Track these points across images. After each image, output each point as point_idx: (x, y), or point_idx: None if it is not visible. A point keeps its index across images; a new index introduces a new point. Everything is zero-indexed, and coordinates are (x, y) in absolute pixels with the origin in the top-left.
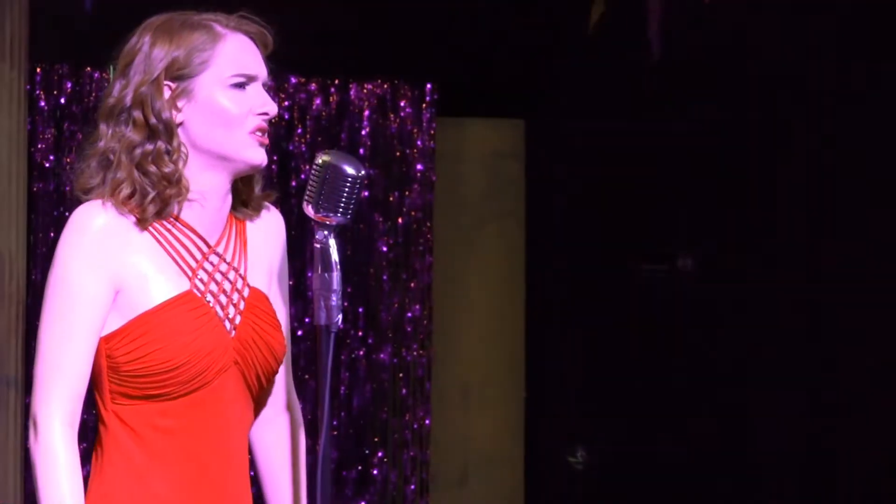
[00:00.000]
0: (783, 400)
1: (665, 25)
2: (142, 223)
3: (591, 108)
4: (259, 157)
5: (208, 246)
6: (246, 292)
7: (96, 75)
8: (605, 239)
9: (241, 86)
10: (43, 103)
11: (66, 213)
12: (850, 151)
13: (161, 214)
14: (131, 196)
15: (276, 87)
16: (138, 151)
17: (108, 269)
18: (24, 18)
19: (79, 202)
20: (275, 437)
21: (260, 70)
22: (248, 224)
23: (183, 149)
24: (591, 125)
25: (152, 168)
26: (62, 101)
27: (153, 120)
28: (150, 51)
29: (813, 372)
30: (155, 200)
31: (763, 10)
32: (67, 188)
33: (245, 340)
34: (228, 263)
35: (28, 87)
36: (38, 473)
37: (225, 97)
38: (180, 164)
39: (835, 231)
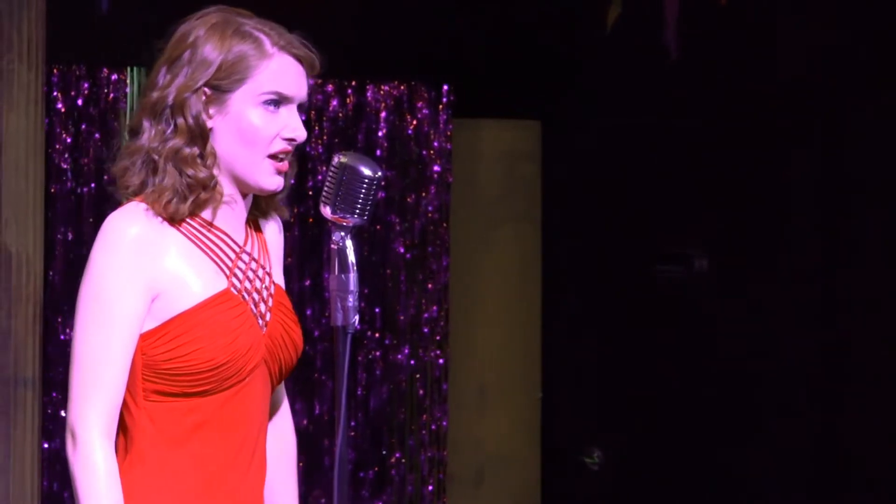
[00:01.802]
0: (799, 401)
1: (682, 26)
2: (173, 222)
3: (608, 109)
4: (274, 184)
5: (239, 246)
6: (272, 289)
7: (113, 77)
8: (621, 240)
9: (274, 104)
10: (60, 104)
11: (84, 214)
12: (868, 153)
13: (192, 214)
14: (171, 199)
15: None
16: (179, 155)
17: (145, 280)
18: (41, 20)
19: (106, 200)
20: (273, 441)
21: (298, 92)
22: (261, 222)
23: (215, 153)
24: (608, 126)
25: (190, 171)
26: (79, 102)
27: (191, 122)
28: (198, 50)
29: (829, 373)
30: (191, 204)
31: (780, 10)
32: (85, 189)
33: (274, 337)
34: (257, 262)
35: (45, 88)
36: (78, 486)
37: (255, 114)
38: (214, 170)
39: (851, 231)
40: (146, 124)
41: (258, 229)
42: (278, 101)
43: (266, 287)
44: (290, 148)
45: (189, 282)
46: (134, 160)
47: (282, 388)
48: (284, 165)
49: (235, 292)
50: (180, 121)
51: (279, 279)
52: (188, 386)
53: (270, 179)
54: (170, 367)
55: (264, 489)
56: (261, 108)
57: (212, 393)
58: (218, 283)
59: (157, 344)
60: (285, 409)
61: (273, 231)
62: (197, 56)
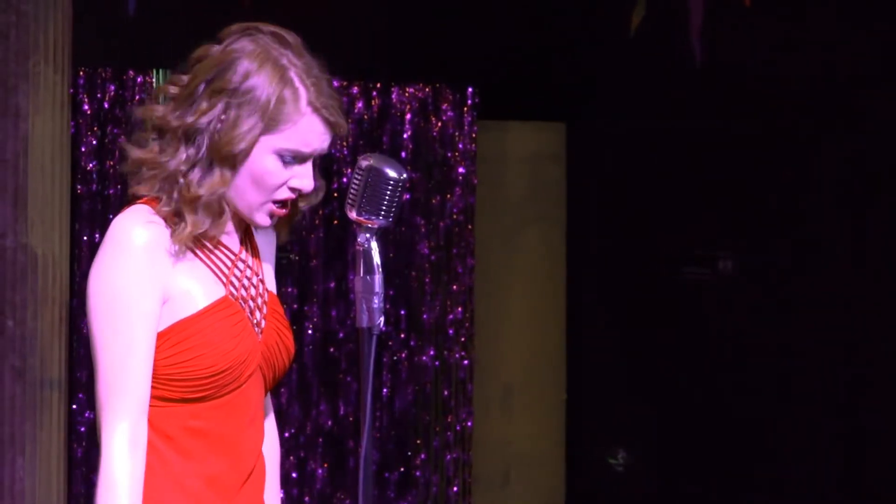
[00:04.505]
0: (824, 401)
1: (706, 28)
2: (179, 241)
3: (632, 111)
4: (265, 222)
5: (234, 253)
6: (266, 297)
7: (139, 79)
8: (645, 241)
9: (290, 160)
10: (86, 107)
11: (110, 217)
12: (892, 153)
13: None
14: (185, 219)
15: None
16: (208, 178)
17: (157, 283)
18: (68, 22)
19: (119, 204)
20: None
21: (318, 147)
22: (254, 228)
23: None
24: (632, 128)
25: (212, 195)
26: (105, 104)
27: (226, 150)
28: (242, 83)
29: (854, 373)
30: (207, 226)
31: (804, 12)
32: (111, 192)
33: (269, 344)
34: (251, 269)
35: (71, 90)
36: (97, 497)
37: (271, 162)
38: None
39: (876, 231)
40: (179, 147)
41: (251, 236)
42: (295, 157)
43: (260, 294)
44: (293, 197)
45: (191, 289)
46: (155, 174)
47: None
48: (283, 212)
49: (233, 299)
50: (214, 145)
51: (272, 286)
52: (186, 392)
53: (263, 218)
54: (169, 373)
55: None
56: (277, 159)
57: (209, 399)
58: (216, 291)
59: (160, 350)
60: (268, 407)
61: (266, 238)
62: (246, 94)
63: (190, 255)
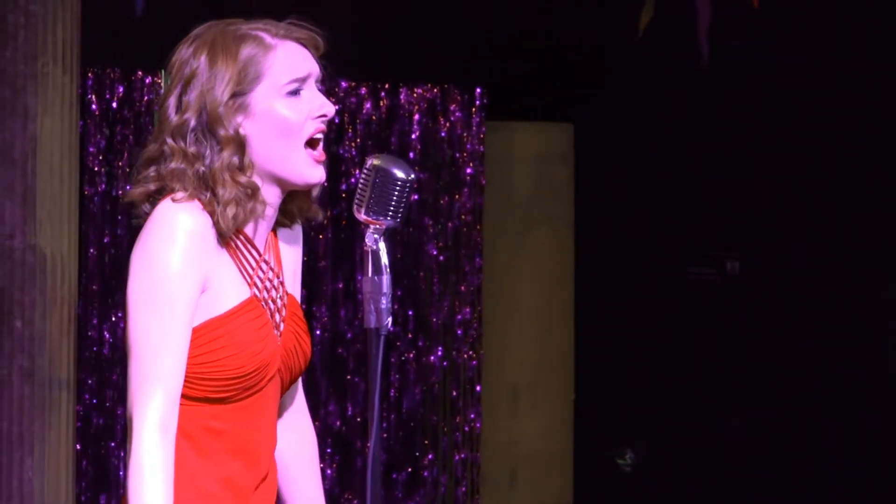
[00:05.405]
0: (824, 401)
1: (714, 29)
2: (222, 234)
3: (640, 111)
4: (317, 175)
5: (259, 253)
6: (285, 299)
7: (147, 80)
8: (653, 242)
9: (295, 92)
10: (94, 107)
11: (119, 217)
12: (892, 153)
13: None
14: (236, 211)
15: (327, 91)
16: (233, 166)
17: (201, 270)
18: (76, 23)
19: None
20: (295, 437)
21: (312, 68)
22: (279, 230)
23: (252, 161)
24: (641, 128)
25: (243, 179)
26: (114, 105)
27: (232, 133)
28: (208, 69)
29: (855, 373)
30: (249, 212)
31: (811, 13)
32: (119, 192)
33: (288, 347)
34: (273, 271)
35: (80, 90)
36: (128, 482)
37: (282, 105)
38: (255, 178)
39: (876, 231)
40: (176, 146)
41: (274, 237)
42: (298, 88)
43: (280, 297)
44: (324, 127)
45: (223, 286)
46: (181, 183)
47: (299, 385)
48: (321, 155)
49: (258, 301)
50: (223, 134)
51: (292, 288)
52: (211, 391)
53: (313, 171)
54: (197, 372)
55: (292, 487)
56: (285, 99)
57: (231, 401)
58: (243, 291)
59: (189, 346)
60: (303, 407)
61: (291, 240)
62: (211, 74)
63: (223, 251)
